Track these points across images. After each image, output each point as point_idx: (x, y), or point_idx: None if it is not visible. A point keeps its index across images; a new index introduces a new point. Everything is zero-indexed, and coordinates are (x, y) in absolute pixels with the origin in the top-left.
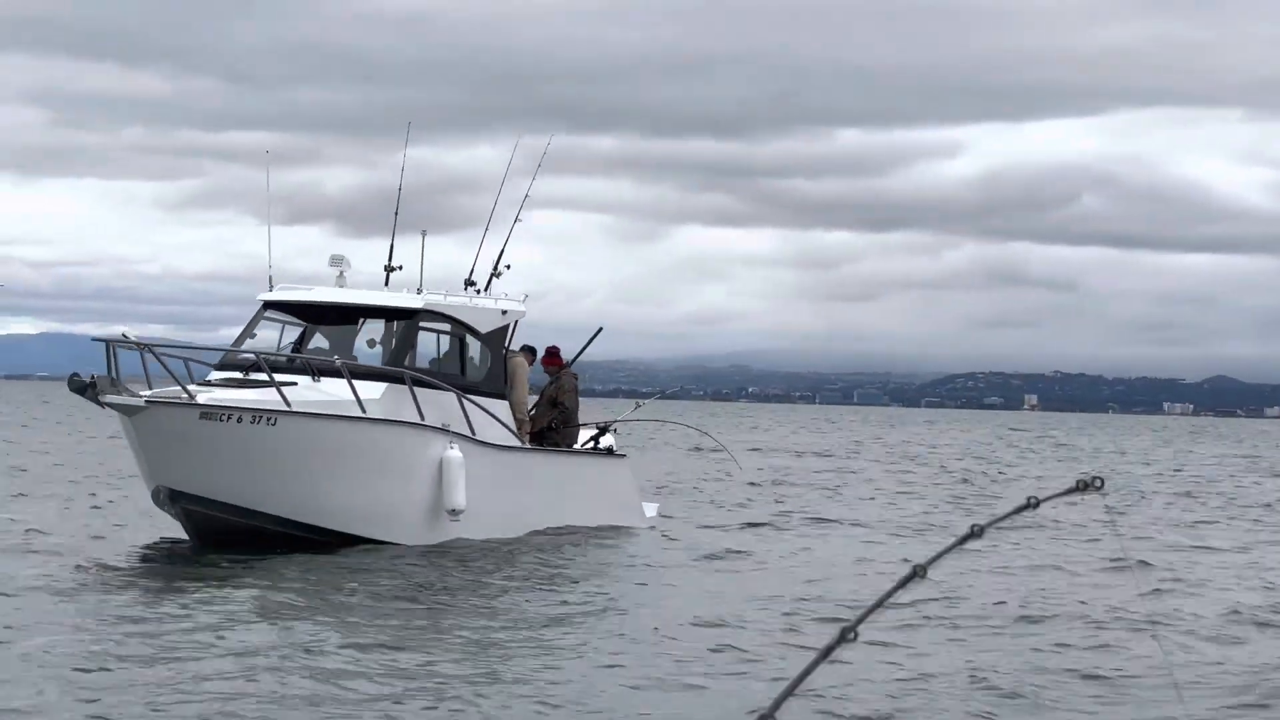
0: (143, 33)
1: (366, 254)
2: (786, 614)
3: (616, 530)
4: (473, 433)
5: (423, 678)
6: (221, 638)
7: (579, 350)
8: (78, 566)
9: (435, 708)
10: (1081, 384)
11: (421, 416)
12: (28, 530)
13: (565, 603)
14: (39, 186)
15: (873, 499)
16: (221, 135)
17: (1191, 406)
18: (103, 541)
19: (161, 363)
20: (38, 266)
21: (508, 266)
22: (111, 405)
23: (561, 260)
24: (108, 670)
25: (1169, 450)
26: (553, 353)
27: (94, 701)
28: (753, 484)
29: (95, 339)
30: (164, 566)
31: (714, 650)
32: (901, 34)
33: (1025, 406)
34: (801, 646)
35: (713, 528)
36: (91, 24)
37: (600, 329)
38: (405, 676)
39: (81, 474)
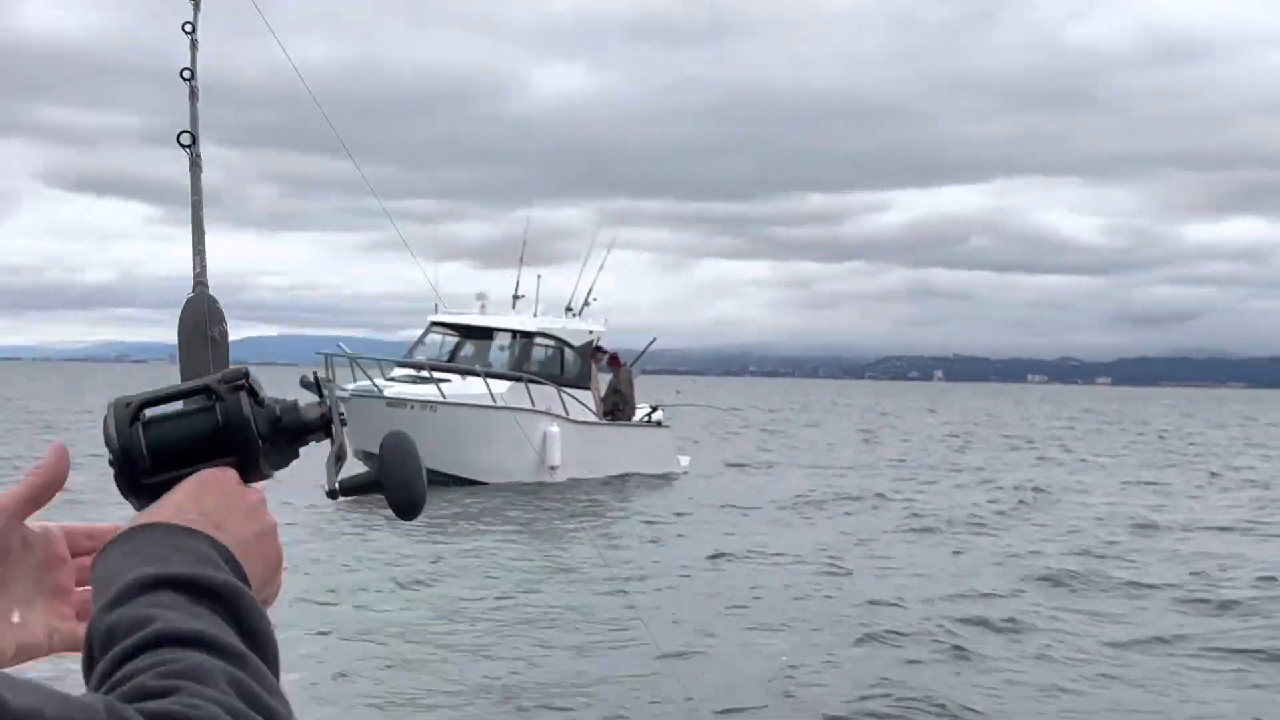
0: (342, 135)
1: (493, 280)
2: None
3: (660, 475)
4: (566, 414)
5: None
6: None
7: (638, 355)
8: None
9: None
10: (973, 363)
11: (533, 403)
12: None
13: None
14: (275, 239)
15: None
16: (395, 202)
17: (1047, 377)
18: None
19: (362, 369)
20: (275, 290)
21: (595, 299)
22: None
23: (623, 285)
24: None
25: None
26: (614, 356)
27: None
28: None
29: (318, 353)
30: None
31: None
32: (851, 128)
33: (935, 379)
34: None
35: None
36: (308, 130)
37: (654, 339)
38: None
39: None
